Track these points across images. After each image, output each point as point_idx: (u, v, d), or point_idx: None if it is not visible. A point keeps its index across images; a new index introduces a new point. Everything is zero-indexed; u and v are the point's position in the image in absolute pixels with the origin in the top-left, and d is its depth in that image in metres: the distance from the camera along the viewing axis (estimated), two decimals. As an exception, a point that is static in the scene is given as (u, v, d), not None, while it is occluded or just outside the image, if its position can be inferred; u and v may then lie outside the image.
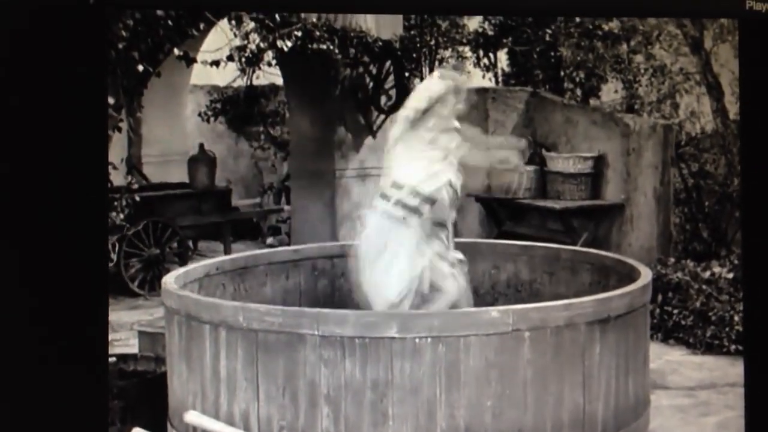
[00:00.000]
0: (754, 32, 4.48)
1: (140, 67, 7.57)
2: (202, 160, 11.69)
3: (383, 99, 10.28)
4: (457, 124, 5.05)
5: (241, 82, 13.60)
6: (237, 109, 13.88)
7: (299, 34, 8.94)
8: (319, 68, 9.69)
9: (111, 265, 9.66)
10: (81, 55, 4.10)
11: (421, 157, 4.92)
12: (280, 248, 7.45)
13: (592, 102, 11.56)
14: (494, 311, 4.16)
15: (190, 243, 11.59)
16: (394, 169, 4.97)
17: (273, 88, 13.75)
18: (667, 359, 7.66)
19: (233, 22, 8.60)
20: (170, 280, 4.81)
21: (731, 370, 7.21)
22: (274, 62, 10.37)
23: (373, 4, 5.29)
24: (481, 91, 11.40)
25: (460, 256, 5.31)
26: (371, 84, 10.24)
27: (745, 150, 4.68)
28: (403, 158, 4.96)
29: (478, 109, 11.17)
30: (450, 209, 5.04)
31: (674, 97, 11.52)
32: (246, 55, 8.82)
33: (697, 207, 10.33)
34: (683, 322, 8.11)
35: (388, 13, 9.86)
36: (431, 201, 4.89)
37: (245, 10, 8.05)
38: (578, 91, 11.59)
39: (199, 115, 13.93)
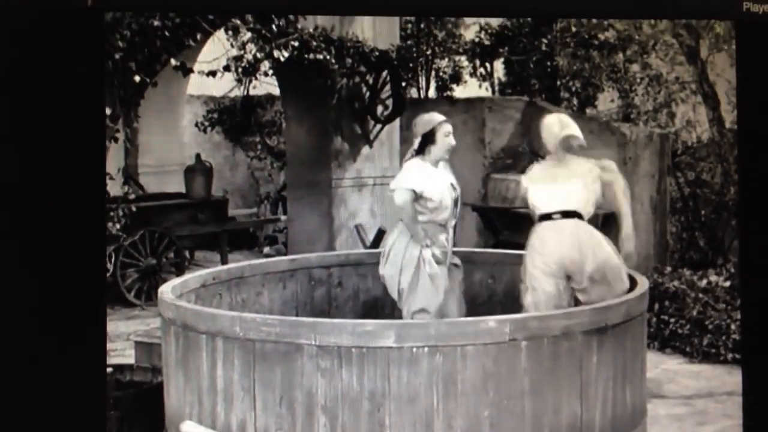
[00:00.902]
0: (750, 34, 4.48)
1: (137, 78, 7.57)
2: (199, 170, 11.69)
3: (380, 109, 10.29)
4: None
5: (237, 92, 13.62)
6: (234, 119, 13.89)
7: (296, 44, 8.94)
8: (315, 78, 9.69)
9: (107, 275, 9.64)
10: (78, 65, 4.10)
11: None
12: (276, 258, 7.44)
13: (589, 111, 11.57)
14: (491, 321, 4.15)
15: (187, 253, 11.57)
16: None
17: (270, 98, 13.76)
18: (664, 368, 7.65)
19: (230, 32, 8.60)
20: (167, 290, 4.80)
21: (728, 378, 7.21)
22: (270, 72, 10.37)
23: (372, 7, 5.31)
24: (478, 101, 11.41)
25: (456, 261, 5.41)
26: (368, 94, 10.24)
27: (742, 158, 4.68)
28: None
29: (475, 119, 11.18)
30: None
31: (670, 106, 11.54)
32: (243, 65, 8.83)
33: (694, 216, 10.33)
34: (680, 331, 8.11)
35: (387, 15, 9.87)
36: None
37: (237, 13, 8.05)
38: (574, 101, 11.60)
39: (196, 125, 13.94)
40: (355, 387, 4.01)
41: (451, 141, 5.31)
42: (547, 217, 5.33)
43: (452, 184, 5.35)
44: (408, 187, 5.21)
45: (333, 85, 9.88)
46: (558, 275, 5.20)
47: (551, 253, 5.23)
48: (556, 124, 5.53)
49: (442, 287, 5.26)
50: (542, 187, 5.43)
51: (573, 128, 5.51)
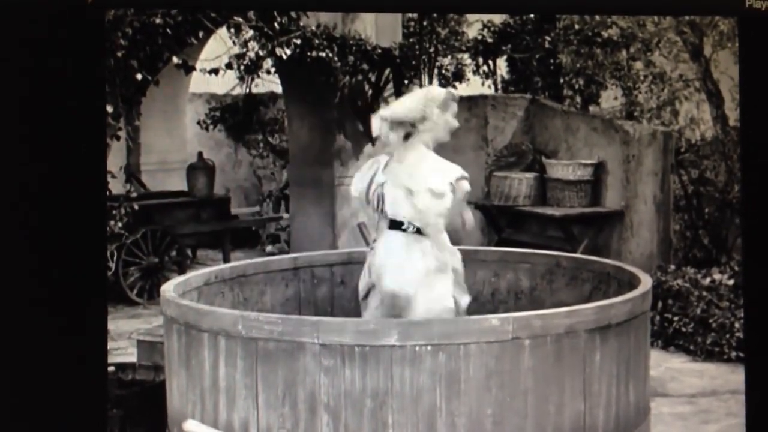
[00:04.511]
0: (753, 31, 4.46)
1: (139, 76, 7.57)
2: (201, 168, 11.69)
3: (382, 106, 10.28)
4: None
5: (240, 90, 13.60)
6: (236, 117, 13.90)
7: (298, 41, 8.94)
8: (318, 76, 9.69)
9: (109, 273, 9.64)
10: (79, 63, 4.09)
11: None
12: (279, 256, 7.43)
13: (592, 109, 11.55)
14: (494, 319, 4.14)
15: (189, 251, 11.57)
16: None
17: (272, 96, 13.76)
18: (668, 366, 7.64)
19: (232, 30, 8.60)
20: (169, 288, 4.79)
21: (732, 377, 7.19)
22: (273, 70, 10.37)
23: (375, 3, 5.30)
24: (481, 99, 11.40)
25: None
26: (370, 92, 10.24)
27: (745, 156, 4.67)
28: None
29: (478, 117, 11.17)
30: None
31: (674, 103, 11.52)
32: (245, 63, 8.83)
33: (697, 214, 10.31)
34: (684, 329, 8.09)
35: (390, 12, 9.86)
36: None
37: (239, 10, 8.06)
38: (578, 98, 11.58)
39: (198, 123, 13.94)
40: (358, 385, 4.00)
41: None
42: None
43: (384, 183, 5.00)
44: None
45: (335, 83, 9.87)
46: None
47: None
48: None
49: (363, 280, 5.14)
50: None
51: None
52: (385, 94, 10.32)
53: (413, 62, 10.97)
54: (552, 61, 11.55)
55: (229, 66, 8.89)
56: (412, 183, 4.83)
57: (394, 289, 4.75)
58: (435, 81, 12.17)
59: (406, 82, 10.54)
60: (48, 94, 4.07)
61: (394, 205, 4.85)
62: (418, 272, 4.77)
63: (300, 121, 10.67)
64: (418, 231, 4.79)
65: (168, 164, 13.38)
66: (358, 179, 5.17)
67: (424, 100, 4.93)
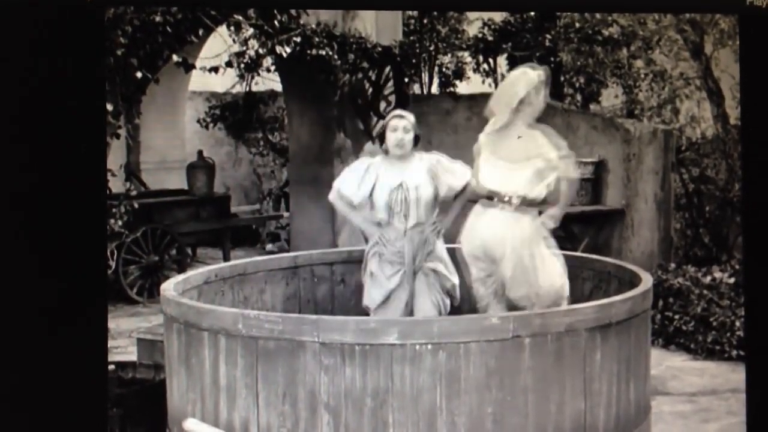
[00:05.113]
0: (754, 28, 4.46)
1: (139, 74, 7.57)
2: (201, 166, 11.69)
3: (382, 105, 10.28)
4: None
5: (239, 89, 13.61)
6: (236, 115, 13.90)
7: (298, 39, 8.93)
8: (318, 74, 9.68)
9: (109, 272, 9.64)
10: (79, 61, 4.09)
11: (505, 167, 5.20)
12: (279, 255, 7.42)
13: (593, 107, 11.54)
14: (495, 317, 4.14)
15: (189, 250, 11.57)
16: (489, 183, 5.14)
17: (272, 95, 13.77)
18: (668, 365, 7.64)
19: (232, 28, 8.59)
20: (169, 287, 4.78)
21: (733, 375, 7.19)
22: (273, 68, 10.37)
23: (375, 1, 5.31)
24: (482, 97, 11.38)
25: None
26: (370, 90, 10.24)
27: (746, 155, 4.66)
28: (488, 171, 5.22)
29: (479, 115, 11.16)
30: None
31: (674, 102, 11.50)
32: (245, 61, 8.82)
33: (698, 212, 10.31)
34: (684, 328, 8.09)
35: (390, 9, 9.86)
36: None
37: (239, 8, 8.05)
38: (578, 97, 11.57)
39: (198, 121, 13.95)
40: (359, 384, 3.99)
41: (397, 136, 5.15)
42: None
43: (401, 184, 5.14)
44: (335, 186, 5.35)
45: (335, 81, 9.87)
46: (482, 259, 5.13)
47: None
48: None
49: (383, 286, 5.18)
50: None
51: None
52: (385, 92, 10.31)
53: (413, 60, 10.97)
54: (552, 59, 11.53)
55: (229, 64, 8.88)
56: (536, 154, 5.13)
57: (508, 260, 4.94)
58: (435, 79, 12.18)
59: (406, 80, 10.53)
60: (48, 92, 4.06)
61: (494, 180, 5.16)
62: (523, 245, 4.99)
63: (300, 119, 10.67)
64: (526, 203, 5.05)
65: (168, 162, 13.38)
66: (353, 186, 5.23)
67: (524, 82, 5.19)
